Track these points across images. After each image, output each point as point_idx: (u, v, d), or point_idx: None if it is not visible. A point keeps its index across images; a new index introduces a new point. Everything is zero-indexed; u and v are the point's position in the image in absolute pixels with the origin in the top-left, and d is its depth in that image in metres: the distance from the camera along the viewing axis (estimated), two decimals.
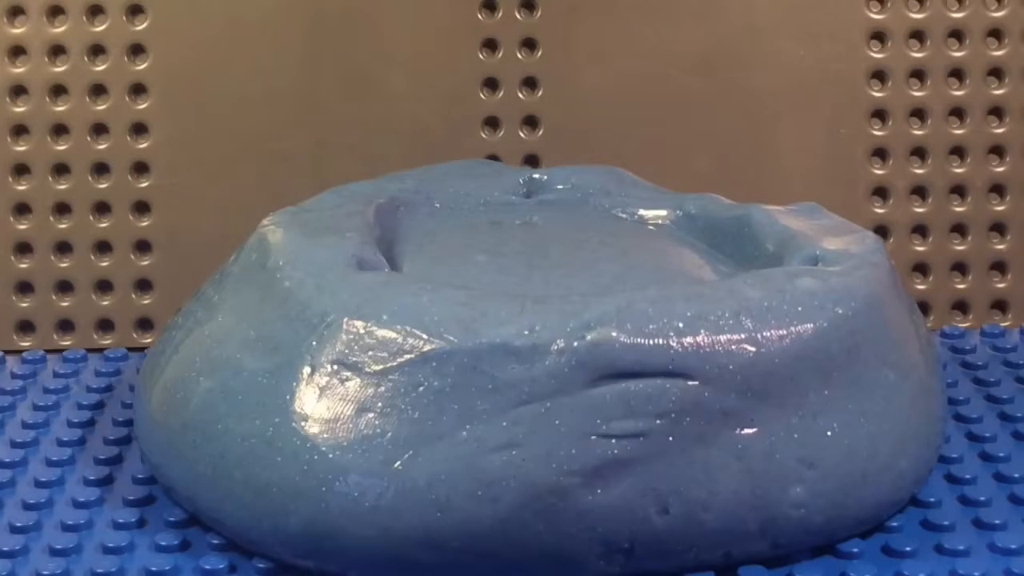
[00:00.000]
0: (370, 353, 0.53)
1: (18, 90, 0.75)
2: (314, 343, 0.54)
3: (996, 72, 0.77)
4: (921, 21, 0.77)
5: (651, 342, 0.53)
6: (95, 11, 0.75)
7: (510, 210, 0.67)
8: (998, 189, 0.78)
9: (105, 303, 0.76)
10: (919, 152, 0.77)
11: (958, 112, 0.77)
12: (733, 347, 0.53)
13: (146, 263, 0.76)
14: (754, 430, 0.53)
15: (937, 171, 0.77)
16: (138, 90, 0.75)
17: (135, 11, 0.75)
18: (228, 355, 0.57)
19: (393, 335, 0.53)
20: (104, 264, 0.76)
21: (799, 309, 0.55)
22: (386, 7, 0.75)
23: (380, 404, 0.53)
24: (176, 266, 0.76)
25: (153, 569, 0.54)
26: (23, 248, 0.76)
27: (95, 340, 0.76)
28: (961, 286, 0.78)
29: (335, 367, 0.54)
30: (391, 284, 0.56)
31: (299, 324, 0.55)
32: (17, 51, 0.75)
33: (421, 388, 0.52)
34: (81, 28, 0.75)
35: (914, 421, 0.57)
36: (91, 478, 0.60)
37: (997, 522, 0.56)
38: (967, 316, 0.78)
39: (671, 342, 0.53)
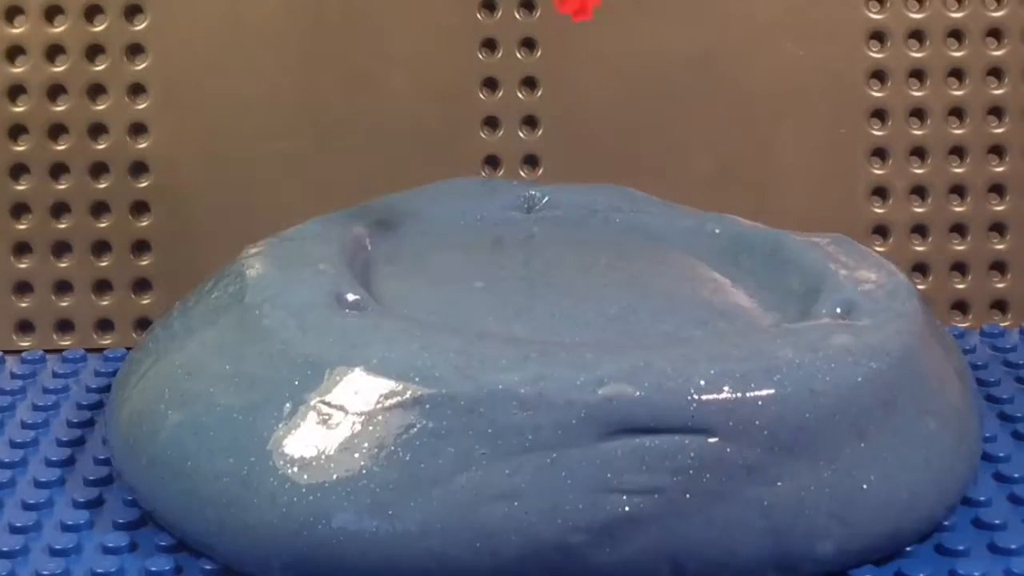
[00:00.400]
0: (357, 396, 0.51)
1: (17, 90, 0.75)
2: (296, 383, 0.52)
3: (996, 72, 0.77)
4: (921, 21, 0.77)
5: (669, 400, 0.49)
6: (94, 11, 0.75)
7: (510, 227, 0.65)
8: (998, 189, 0.78)
9: (104, 303, 0.76)
10: (919, 152, 0.77)
11: (958, 112, 0.77)
12: (760, 403, 0.50)
13: (145, 263, 0.76)
14: (781, 485, 0.50)
15: (937, 171, 0.77)
16: (137, 90, 0.75)
17: (134, 11, 0.75)
18: (200, 389, 0.54)
19: (383, 380, 0.51)
20: (103, 264, 0.76)
21: (832, 366, 0.52)
22: (386, 7, 0.75)
23: (367, 445, 0.50)
24: (175, 266, 0.76)
25: (153, 569, 0.53)
26: (22, 248, 0.76)
27: (94, 340, 0.76)
28: (961, 286, 0.78)
29: (318, 406, 0.51)
30: (380, 328, 0.53)
31: (280, 363, 0.53)
32: (16, 51, 0.75)
33: (414, 429, 0.49)
34: (80, 28, 0.75)
35: (958, 469, 0.55)
36: (91, 478, 0.60)
37: (997, 522, 0.56)
38: (967, 316, 0.78)
39: (691, 399, 0.50)
